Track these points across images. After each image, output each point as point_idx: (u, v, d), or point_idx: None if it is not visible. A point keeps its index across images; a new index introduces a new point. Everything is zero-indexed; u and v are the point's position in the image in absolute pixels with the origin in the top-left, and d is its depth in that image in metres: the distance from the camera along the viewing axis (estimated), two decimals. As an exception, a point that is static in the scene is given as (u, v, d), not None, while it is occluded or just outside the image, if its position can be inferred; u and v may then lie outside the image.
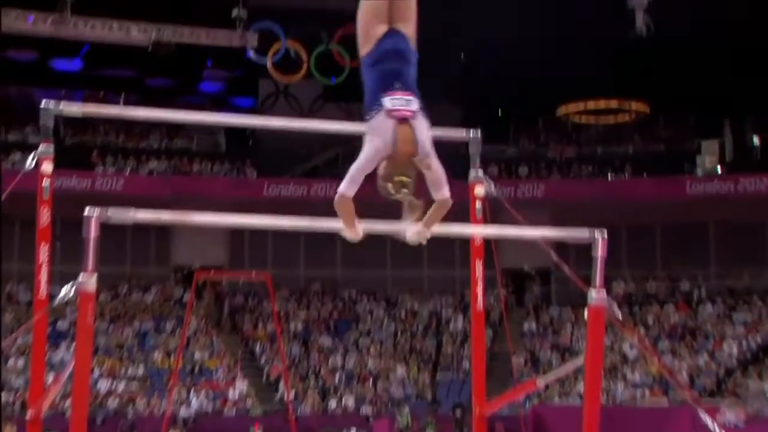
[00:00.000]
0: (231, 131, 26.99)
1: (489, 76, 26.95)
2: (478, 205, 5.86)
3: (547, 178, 26.38)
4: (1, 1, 18.85)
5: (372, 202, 4.36)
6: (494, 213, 6.20)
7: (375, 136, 4.33)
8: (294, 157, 26.07)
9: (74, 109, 5.42)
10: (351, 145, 26.78)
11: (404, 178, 4.32)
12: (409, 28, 4.52)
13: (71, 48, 25.00)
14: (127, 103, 28.45)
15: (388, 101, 4.35)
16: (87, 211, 3.69)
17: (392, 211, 4.64)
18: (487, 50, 26.04)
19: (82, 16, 19.21)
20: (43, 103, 5.20)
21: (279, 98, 28.88)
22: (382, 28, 4.43)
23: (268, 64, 25.35)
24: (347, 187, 4.38)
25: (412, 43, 4.48)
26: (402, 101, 4.36)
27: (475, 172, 5.94)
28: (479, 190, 5.85)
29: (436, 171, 4.42)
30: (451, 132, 6.28)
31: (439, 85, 26.15)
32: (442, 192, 4.46)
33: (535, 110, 27.81)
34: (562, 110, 27.95)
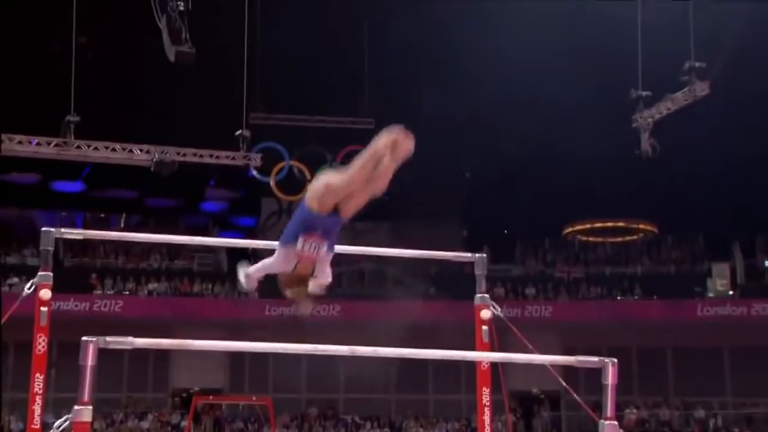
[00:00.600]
0: (233, 250, 27.10)
1: (494, 195, 27.24)
2: (485, 328, 5.84)
3: (555, 299, 26.30)
4: (4, 125, 19.26)
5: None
6: (501, 333, 6.18)
7: (282, 259, 4.96)
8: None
9: (75, 233, 5.50)
10: (357, 265, 26.95)
11: (297, 292, 4.97)
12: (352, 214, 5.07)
13: (73, 170, 25.39)
14: (128, 223, 28.74)
15: (301, 244, 4.85)
16: (84, 338, 3.69)
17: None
18: (492, 169, 26.42)
19: (85, 140, 19.58)
20: (44, 228, 5.27)
21: (282, 217, 29.13)
22: (332, 204, 4.88)
23: (272, 182, 25.69)
24: (254, 273, 5.25)
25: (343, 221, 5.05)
26: (314, 246, 4.86)
27: (481, 296, 5.94)
28: (485, 314, 5.85)
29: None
30: (456, 254, 6.32)
31: (444, 205, 26.50)
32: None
33: (542, 229, 27.96)
34: (568, 229, 28.11)
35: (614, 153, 21.52)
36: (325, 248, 4.91)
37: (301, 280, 4.94)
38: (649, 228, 27.85)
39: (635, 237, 28.32)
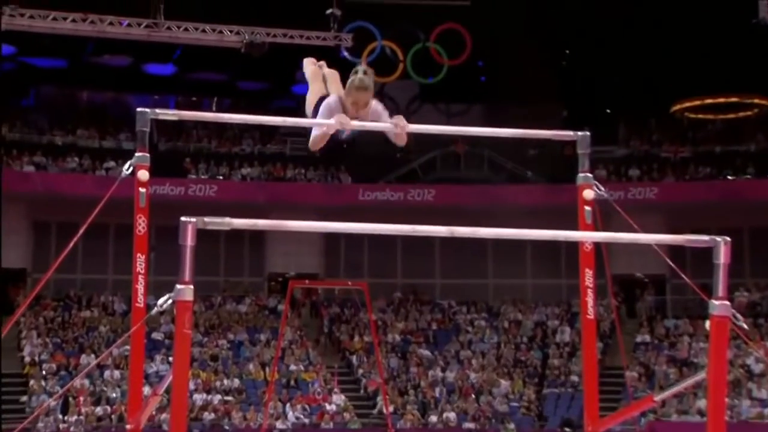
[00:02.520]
0: (325, 135, 27.31)
1: (595, 72, 26.59)
2: (588, 209, 5.77)
3: (661, 180, 25.87)
4: (97, 6, 19.54)
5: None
6: (603, 216, 6.11)
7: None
8: (390, 162, 26.21)
9: (170, 114, 5.58)
10: (449, 147, 26.87)
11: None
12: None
13: (164, 52, 25.72)
14: (219, 106, 29.14)
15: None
16: (183, 219, 3.78)
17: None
18: (593, 43, 25.71)
19: (175, 20, 19.73)
20: (139, 109, 5.36)
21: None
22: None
23: (363, 63, 25.53)
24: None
25: None
26: None
27: (584, 175, 5.85)
28: (588, 194, 5.77)
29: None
30: (556, 133, 6.21)
31: (541, 84, 26.01)
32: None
33: (647, 107, 27.29)
34: (676, 107, 27.36)
35: (728, 21, 20.64)
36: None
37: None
38: (764, 103, 26.85)
39: (749, 113, 27.37)
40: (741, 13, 18.86)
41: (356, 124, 5.44)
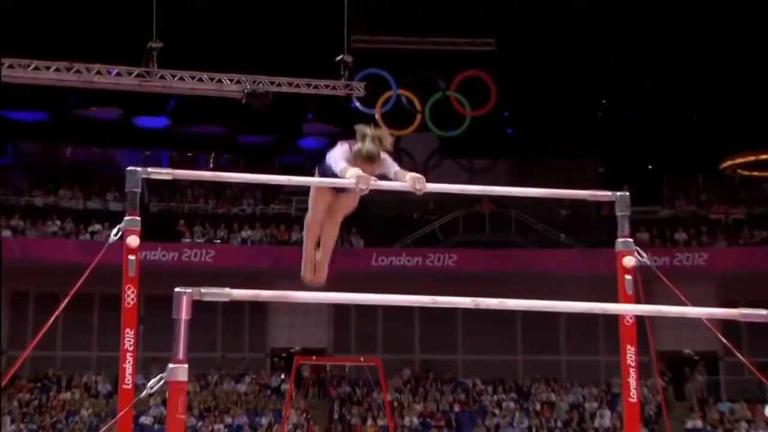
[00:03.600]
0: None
1: (635, 124, 26.71)
2: (628, 278, 5.77)
3: (711, 245, 25.78)
4: (80, 53, 19.81)
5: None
6: (647, 287, 6.10)
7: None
8: (407, 223, 26.26)
9: (163, 173, 5.63)
10: (473, 207, 26.93)
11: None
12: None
13: (156, 104, 26.01)
14: (217, 162, 29.35)
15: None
16: (177, 289, 3.80)
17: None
18: (632, 92, 25.86)
19: (169, 69, 20.00)
20: (129, 167, 5.42)
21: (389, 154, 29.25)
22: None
23: (377, 115, 25.80)
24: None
25: None
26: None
27: (624, 240, 5.86)
28: (629, 261, 5.76)
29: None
30: (593, 193, 6.22)
31: (575, 137, 26.15)
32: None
33: (694, 163, 27.33)
34: (727, 163, 27.40)
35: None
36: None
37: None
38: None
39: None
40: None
41: (374, 184, 5.50)
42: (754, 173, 27.74)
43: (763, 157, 26.95)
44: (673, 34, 24.10)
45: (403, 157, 28.83)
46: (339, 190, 6.05)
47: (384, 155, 5.71)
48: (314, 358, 20.51)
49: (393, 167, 5.69)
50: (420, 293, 4.87)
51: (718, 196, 27.75)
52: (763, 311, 4.27)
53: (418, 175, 5.55)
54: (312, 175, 6.11)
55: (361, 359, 21.48)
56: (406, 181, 5.54)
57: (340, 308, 25.58)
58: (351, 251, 26.04)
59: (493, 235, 26.61)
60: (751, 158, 27.12)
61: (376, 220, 25.96)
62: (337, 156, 5.67)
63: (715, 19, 23.09)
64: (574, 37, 24.78)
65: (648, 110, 26.23)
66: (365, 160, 5.58)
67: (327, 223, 6.28)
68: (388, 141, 5.77)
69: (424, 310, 23.86)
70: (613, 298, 5.75)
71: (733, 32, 23.22)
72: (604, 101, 27.89)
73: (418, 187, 5.47)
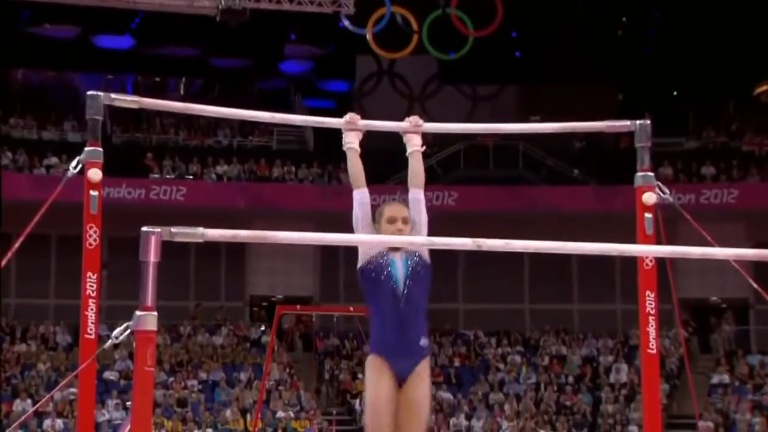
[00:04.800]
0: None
1: (658, 45, 26.60)
2: (649, 216, 5.79)
3: (742, 181, 25.83)
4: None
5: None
6: (669, 227, 6.12)
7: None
8: (401, 157, 26.21)
9: (128, 100, 5.59)
10: (476, 139, 26.89)
11: None
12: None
13: (119, 21, 25.81)
14: (189, 88, 29.24)
15: None
16: (145, 228, 3.80)
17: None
18: (655, 8, 25.71)
19: (134, -20, 19.86)
20: (90, 92, 5.38)
21: (382, 80, 29.18)
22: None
23: (368, 35, 25.63)
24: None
25: None
26: None
27: (644, 175, 5.87)
28: (649, 198, 5.77)
29: None
30: (610, 124, 6.22)
31: (590, 59, 26.04)
32: None
33: (724, 89, 27.31)
34: (761, 89, 27.38)
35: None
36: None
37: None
38: None
39: None
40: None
41: (364, 124, 5.65)
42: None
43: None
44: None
45: (397, 82, 28.75)
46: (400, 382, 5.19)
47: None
48: (298, 307, 20.64)
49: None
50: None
51: (750, 126, 27.75)
52: (798, 253, 4.29)
53: (414, 117, 5.69)
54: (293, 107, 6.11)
55: (351, 309, 21.56)
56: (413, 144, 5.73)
57: (327, 252, 25.62)
58: (339, 188, 26.03)
59: (498, 171, 26.62)
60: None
61: (366, 154, 25.79)
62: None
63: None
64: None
65: (673, 30, 26.11)
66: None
67: None
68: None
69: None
70: (632, 240, 5.77)
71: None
72: (624, 19, 27.73)
73: (411, 129, 5.66)
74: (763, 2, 23.75)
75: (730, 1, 24.50)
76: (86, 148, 5.35)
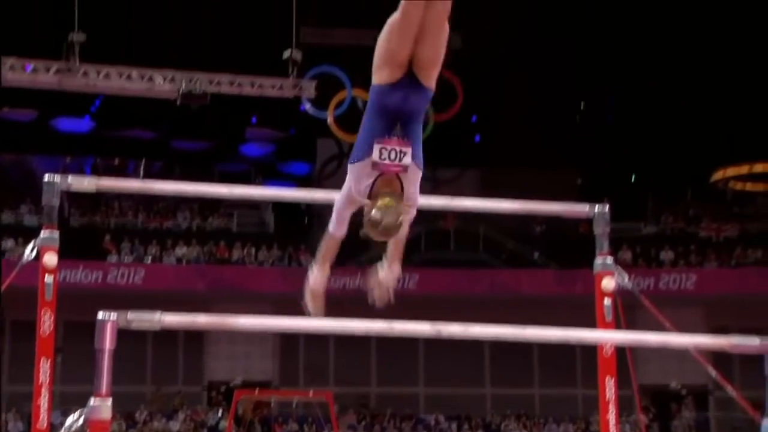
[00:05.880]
0: (281, 207, 27.37)
1: (617, 131, 26.92)
2: (607, 302, 5.82)
3: (700, 266, 26.02)
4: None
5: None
6: (629, 312, 6.15)
7: (354, 181, 5.18)
8: (361, 240, 26.23)
9: (86, 183, 5.59)
10: (436, 223, 26.98)
11: (386, 205, 5.06)
12: (433, 74, 5.03)
13: (79, 104, 25.84)
14: (148, 171, 29.20)
15: (377, 151, 4.94)
16: (101, 315, 3.77)
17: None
18: (614, 95, 26.07)
19: (94, 64, 19.87)
20: (47, 177, 5.37)
21: (343, 162, 29.23)
22: (399, 72, 4.86)
23: (329, 119, 25.78)
24: (332, 226, 5.50)
25: (430, 92, 5.00)
26: (394, 153, 4.91)
27: (603, 260, 5.91)
28: (608, 284, 5.82)
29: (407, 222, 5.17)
30: (569, 207, 6.27)
31: (550, 144, 26.30)
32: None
33: (682, 176, 27.62)
34: (718, 175, 27.69)
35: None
36: (409, 156, 4.91)
37: (387, 194, 5.02)
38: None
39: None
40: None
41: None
42: (748, 187, 28.03)
43: (758, 169, 27.24)
44: (659, 31, 24.38)
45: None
46: None
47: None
48: (257, 391, 20.41)
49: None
50: (376, 319, 4.87)
51: (708, 212, 28.03)
52: (755, 340, 4.32)
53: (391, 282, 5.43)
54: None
55: (310, 393, 21.45)
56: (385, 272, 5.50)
57: (286, 336, 25.50)
58: (298, 271, 25.98)
59: (458, 254, 26.69)
60: (745, 170, 27.40)
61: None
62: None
63: (703, 18, 23.39)
64: (548, 32, 24.98)
65: (631, 116, 26.45)
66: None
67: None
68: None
69: (381, 339, 23.84)
70: (592, 322, 5.79)
71: (724, 33, 23.52)
72: (582, 104, 28.08)
73: (385, 288, 5.43)
74: (721, 92, 24.13)
75: (687, 89, 24.86)
76: (42, 233, 5.33)
